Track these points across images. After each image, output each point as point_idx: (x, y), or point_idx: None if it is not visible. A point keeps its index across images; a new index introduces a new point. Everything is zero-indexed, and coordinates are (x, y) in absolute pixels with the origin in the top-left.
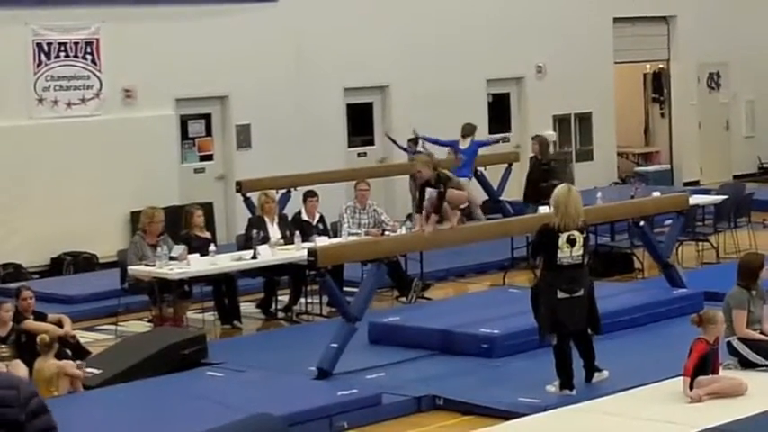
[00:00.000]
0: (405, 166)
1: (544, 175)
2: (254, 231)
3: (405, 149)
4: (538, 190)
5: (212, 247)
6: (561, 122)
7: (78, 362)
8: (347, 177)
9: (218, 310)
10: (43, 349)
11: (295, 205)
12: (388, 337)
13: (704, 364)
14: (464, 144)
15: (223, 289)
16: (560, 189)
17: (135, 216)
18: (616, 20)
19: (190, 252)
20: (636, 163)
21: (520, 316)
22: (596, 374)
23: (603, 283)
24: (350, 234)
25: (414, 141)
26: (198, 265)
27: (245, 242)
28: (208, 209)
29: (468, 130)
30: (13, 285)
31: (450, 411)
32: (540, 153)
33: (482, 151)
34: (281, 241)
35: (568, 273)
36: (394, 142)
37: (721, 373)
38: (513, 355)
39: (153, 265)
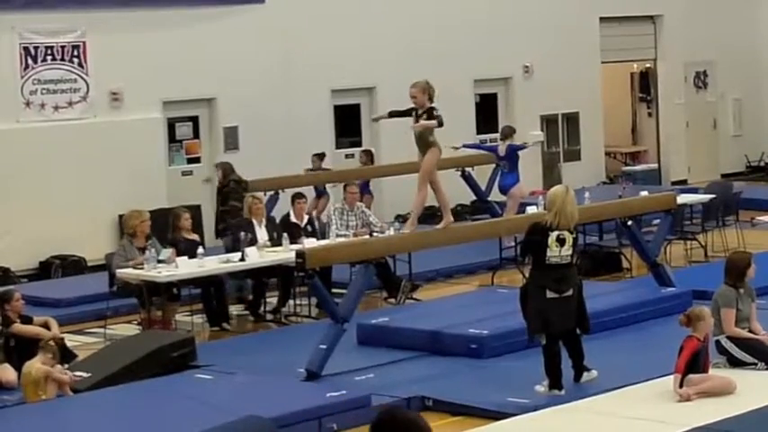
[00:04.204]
0: (393, 167)
1: (224, 199)
2: (242, 233)
3: (312, 169)
4: (221, 215)
5: (200, 250)
6: (549, 122)
7: (65, 365)
8: (335, 179)
9: (206, 312)
10: (47, 356)
11: (283, 207)
12: (377, 339)
13: (695, 362)
14: (503, 149)
15: (212, 291)
16: (558, 188)
17: (123, 219)
18: (603, 19)
19: (178, 255)
20: (623, 162)
21: (508, 316)
22: (585, 374)
23: (592, 283)
24: (338, 235)
25: (319, 157)
26: (186, 267)
27: (233, 244)
28: (196, 211)
29: (507, 132)
30: (0, 289)
31: (439, 412)
32: (222, 178)
33: (469, 152)
34: (269, 243)
35: (557, 272)
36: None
37: (710, 371)
38: (501, 356)
39: (141, 268)
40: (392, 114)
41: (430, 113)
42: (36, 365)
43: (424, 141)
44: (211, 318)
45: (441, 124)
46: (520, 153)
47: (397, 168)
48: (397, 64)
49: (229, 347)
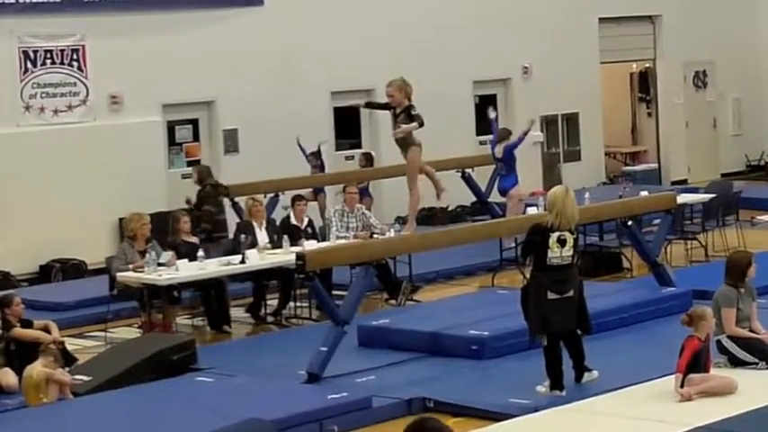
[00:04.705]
0: (393, 168)
1: (199, 204)
2: (243, 236)
3: (307, 159)
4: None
5: (200, 253)
6: (548, 123)
7: (66, 368)
8: (335, 181)
9: (207, 315)
10: (48, 359)
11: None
12: (378, 340)
13: (696, 362)
14: (499, 151)
15: (212, 294)
16: (558, 189)
17: (123, 222)
18: (601, 20)
19: (178, 258)
20: (623, 162)
21: (509, 317)
22: (586, 375)
23: (592, 283)
24: (338, 237)
25: (315, 155)
26: (186, 270)
27: (234, 247)
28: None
29: (503, 134)
30: (0, 293)
31: (440, 414)
32: (198, 182)
33: (469, 153)
34: (269, 245)
35: (558, 273)
36: (302, 150)
37: (711, 371)
38: (502, 357)
39: (142, 271)
40: (369, 105)
41: (408, 112)
42: (37, 369)
43: (404, 141)
44: (212, 320)
45: (421, 124)
46: (521, 143)
47: (396, 170)
48: (397, 66)
49: (230, 350)
